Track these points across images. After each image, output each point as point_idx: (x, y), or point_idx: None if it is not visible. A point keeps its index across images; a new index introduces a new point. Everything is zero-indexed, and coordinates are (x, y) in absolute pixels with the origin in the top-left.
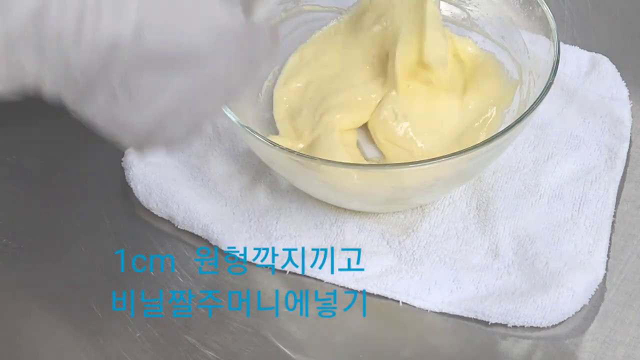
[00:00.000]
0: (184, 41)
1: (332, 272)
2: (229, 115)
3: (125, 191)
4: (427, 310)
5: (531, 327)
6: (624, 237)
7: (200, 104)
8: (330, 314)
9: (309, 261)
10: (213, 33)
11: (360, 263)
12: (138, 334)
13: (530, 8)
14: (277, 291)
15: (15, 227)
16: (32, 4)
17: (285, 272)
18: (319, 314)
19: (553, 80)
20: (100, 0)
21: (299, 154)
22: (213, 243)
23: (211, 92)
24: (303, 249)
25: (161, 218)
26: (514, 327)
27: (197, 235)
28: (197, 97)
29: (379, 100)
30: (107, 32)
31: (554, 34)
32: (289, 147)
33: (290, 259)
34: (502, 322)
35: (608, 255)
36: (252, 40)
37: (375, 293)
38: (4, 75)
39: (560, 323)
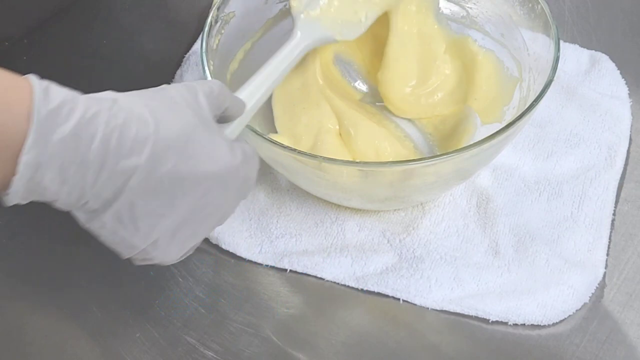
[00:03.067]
0: (193, 173)
1: (333, 270)
2: None
3: None
4: (427, 308)
5: (532, 325)
6: (624, 237)
7: (195, 230)
8: (331, 312)
9: (309, 260)
10: (217, 167)
11: (361, 261)
12: (138, 334)
13: (530, 6)
14: (277, 291)
15: (15, 227)
16: (67, 132)
17: (285, 271)
18: (320, 312)
19: (553, 77)
20: (123, 131)
21: (300, 152)
22: (213, 242)
23: (207, 219)
24: (303, 247)
25: None
26: (515, 325)
27: None
28: (193, 224)
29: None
30: (128, 159)
31: (554, 31)
32: (289, 145)
33: (290, 258)
34: (503, 320)
35: (608, 254)
36: (245, 170)
37: (375, 291)
38: (22, 193)
39: (560, 321)
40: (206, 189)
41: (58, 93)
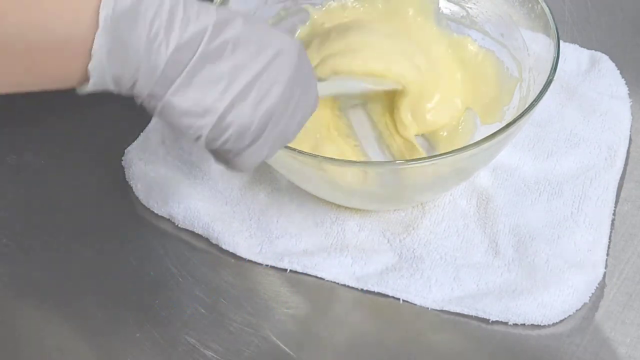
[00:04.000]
0: (258, 38)
1: (333, 270)
2: None
3: (126, 190)
4: (427, 308)
5: (532, 325)
6: (624, 237)
7: (264, 97)
8: (331, 312)
9: (309, 260)
10: (280, 40)
11: (361, 261)
12: (138, 334)
13: (530, 5)
14: (277, 291)
15: (15, 227)
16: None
17: (285, 271)
18: (320, 312)
19: (553, 77)
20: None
21: (300, 152)
22: (213, 242)
23: (274, 89)
24: (303, 247)
25: (161, 217)
26: (515, 324)
27: (197, 234)
28: (261, 90)
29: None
30: (197, 20)
31: (554, 30)
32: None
33: (290, 257)
34: (503, 320)
35: (608, 254)
36: (305, 61)
37: (375, 291)
38: (104, 67)
39: (560, 321)
40: (270, 57)
41: None
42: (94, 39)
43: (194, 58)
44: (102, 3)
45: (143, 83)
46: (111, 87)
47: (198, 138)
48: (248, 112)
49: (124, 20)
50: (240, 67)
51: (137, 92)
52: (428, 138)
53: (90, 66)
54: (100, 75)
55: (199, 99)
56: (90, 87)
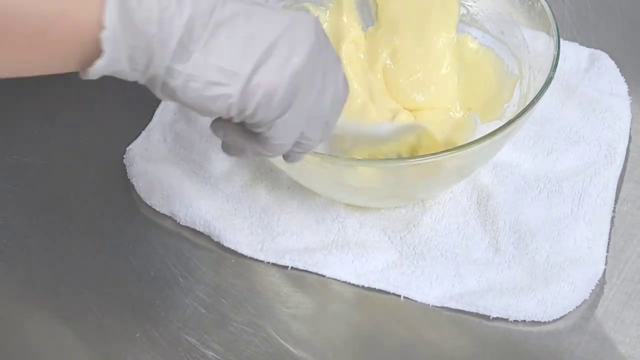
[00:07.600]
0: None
1: (334, 267)
2: None
3: (127, 188)
4: (428, 305)
5: (532, 321)
6: (624, 236)
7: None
8: (331, 310)
9: (310, 257)
10: (294, 15)
11: (362, 258)
12: (138, 334)
13: (530, 3)
14: (278, 289)
15: (15, 227)
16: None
17: (286, 268)
18: (321, 310)
19: (553, 75)
20: None
21: None
22: (215, 239)
23: (297, 60)
24: (304, 245)
25: (163, 214)
26: (515, 321)
27: (198, 232)
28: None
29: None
30: None
31: (554, 28)
32: None
33: (291, 255)
34: (503, 317)
35: (607, 250)
36: (323, 36)
37: (376, 288)
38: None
39: (560, 318)
40: (285, 26)
41: None
42: (103, 7)
43: (209, 27)
44: None
45: (159, 57)
46: (125, 66)
47: (228, 109)
48: (273, 74)
49: None
50: (255, 35)
51: (154, 72)
52: None
53: (103, 34)
54: (115, 47)
55: (222, 65)
56: (103, 63)
